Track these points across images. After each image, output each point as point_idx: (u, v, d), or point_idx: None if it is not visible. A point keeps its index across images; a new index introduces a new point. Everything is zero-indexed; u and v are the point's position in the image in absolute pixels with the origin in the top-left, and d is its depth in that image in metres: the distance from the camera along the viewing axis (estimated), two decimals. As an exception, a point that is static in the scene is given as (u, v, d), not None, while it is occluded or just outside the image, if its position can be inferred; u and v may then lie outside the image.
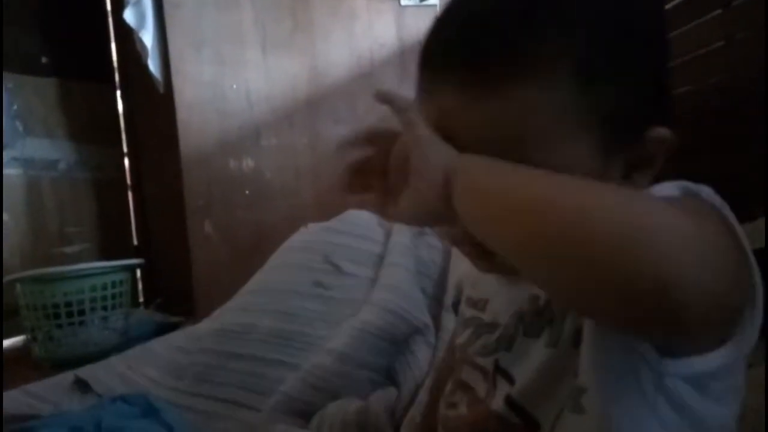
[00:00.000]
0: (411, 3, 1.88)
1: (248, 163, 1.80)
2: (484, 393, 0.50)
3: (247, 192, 1.79)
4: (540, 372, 0.45)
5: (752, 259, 0.38)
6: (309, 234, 1.20)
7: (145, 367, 1.01)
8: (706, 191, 0.42)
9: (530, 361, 0.46)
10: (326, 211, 1.84)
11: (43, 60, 2.05)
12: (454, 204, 0.40)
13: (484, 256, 0.47)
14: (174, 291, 1.94)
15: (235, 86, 1.77)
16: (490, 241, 0.38)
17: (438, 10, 1.85)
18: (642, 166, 0.44)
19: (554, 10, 0.41)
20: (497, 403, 0.48)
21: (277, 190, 1.81)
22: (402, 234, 1.14)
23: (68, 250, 2.05)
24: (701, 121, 1.20)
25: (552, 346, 0.44)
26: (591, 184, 0.37)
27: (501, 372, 0.49)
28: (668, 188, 0.41)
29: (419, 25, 1.89)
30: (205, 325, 1.09)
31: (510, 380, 0.48)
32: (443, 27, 0.45)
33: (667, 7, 1.27)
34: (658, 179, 0.45)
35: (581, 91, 0.40)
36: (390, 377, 0.91)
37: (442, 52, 0.44)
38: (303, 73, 1.83)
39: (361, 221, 1.19)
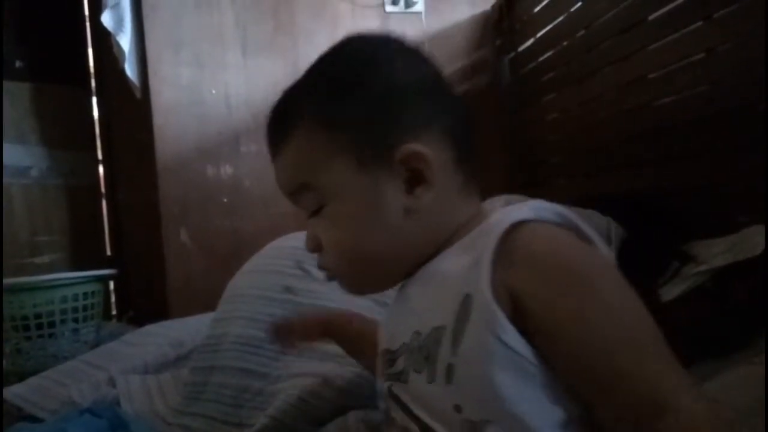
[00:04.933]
0: (396, 9, 1.87)
1: (226, 170, 1.76)
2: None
3: (225, 200, 1.75)
4: (429, 408, 0.48)
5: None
6: (282, 240, 1.17)
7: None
8: (585, 226, 0.50)
9: (422, 398, 0.49)
10: (306, 220, 1.82)
11: (17, 64, 2.00)
12: None
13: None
14: (148, 302, 1.89)
15: (214, 90, 1.74)
16: None
17: (423, 17, 1.85)
18: (418, 181, 0.52)
19: (304, 88, 0.58)
20: None
21: (256, 198, 1.77)
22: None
23: (39, 260, 1.99)
24: (683, 131, 1.21)
25: (431, 382, 0.47)
26: None
27: (401, 405, 0.51)
28: (521, 212, 0.47)
29: (404, 32, 1.87)
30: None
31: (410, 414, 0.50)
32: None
33: (649, 18, 1.29)
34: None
35: (329, 134, 0.53)
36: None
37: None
38: (285, 76, 1.79)
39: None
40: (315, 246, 0.57)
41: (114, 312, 2.12)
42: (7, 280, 1.52)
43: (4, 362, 1.52)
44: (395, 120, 0.53)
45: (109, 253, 2.19)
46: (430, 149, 0.52)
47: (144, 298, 1.97)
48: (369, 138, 0.52)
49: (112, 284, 2.10)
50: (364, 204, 0.52)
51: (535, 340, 0.43)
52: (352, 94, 0.54)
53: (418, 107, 0.54)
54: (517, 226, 0.46)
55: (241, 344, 0.92)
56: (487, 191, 1.28)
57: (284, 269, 1.02)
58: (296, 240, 1.16)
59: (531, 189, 1.53)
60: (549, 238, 0.47)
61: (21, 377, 1.42)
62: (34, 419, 0.98)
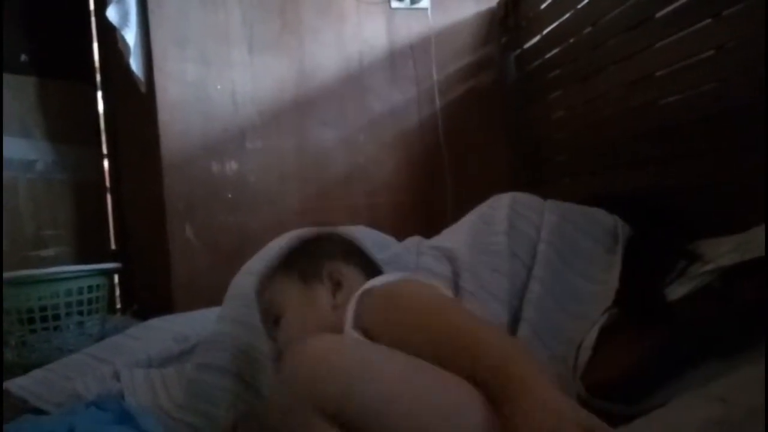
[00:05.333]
0: (401, 6, 1.87)
1: (232, 166, 1.76)
2: None
3: (229, 196, 1.75)
4: None
5: None
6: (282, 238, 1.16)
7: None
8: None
9: None
10: (311, 217, 1.82)
11: (22, 58, 1.99)
12: None
13: None
14: (152, 296, 1.89)
15: (219, 87, 1.73)
16: None
17: (429, 14, 1.84)
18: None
19: None
20: None
21: (261, 194, 1.77)
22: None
23: (44, 253, 1.99)
24: (689, 129, 1.20)
25: None
26: None
27: None
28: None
29: (409, 28, 1.88)
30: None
31: None
32: None
33: (657, 16, 1.28)
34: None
35: None
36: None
37: None
38: (290, 74, 1.80)
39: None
40: None
41: (118, 306, 2.12)
42: (12, 273, 1.53)
43: (9, 354, 1.52)
44: None
45: (113, 247, 2.19)
46: None
47: (148, 293, 1.97)
48: None
49: (116, 278, 2.10)
50: None
51: None
52: None
53: None
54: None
55: (238, 349, 0.93)
56: (491, 189, 1.28)
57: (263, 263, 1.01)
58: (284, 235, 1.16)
59: (535, 187, 1.52)
60: None
61: (26, 369, 1.42)
62: (38, 412, 0.98)
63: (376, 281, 0.74)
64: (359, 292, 0.71)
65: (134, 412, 0.72)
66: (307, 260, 0.83)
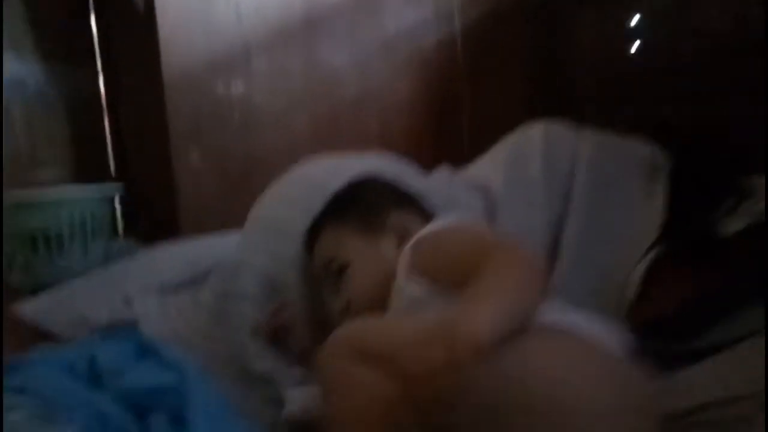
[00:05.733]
0: None
1: (237, 86, 1.67)
2: None
3: (236, 117, 1.67)
4: None
5: None
6: (307, 167, 1.10)
7: None
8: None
9: None
10: (322, 142, 1.74)
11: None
12: None
13: None
14: (156, 222, 1.84)
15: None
16: None
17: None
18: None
19: None
20: None
21: (268, 117, 1.69)
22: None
23: (42, 174, 1.93)
24: (736, 58, 1.12)
25: None
26: None
27: None
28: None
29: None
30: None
31: None
32: None
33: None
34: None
35: None
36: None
37: None
38: (298, -13, 1.68)
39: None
40: None
41: (121, 230, 2.08)
42: (12, 193, 1.48)
43: (14, 278, 1.50)
44: None
45: (113, 170, 2.12)
46: None
47: (151, 218, 1.92)
48: None
49: (117, 202, 2.05)
50: None
51: None
52: None
53: None
54: None
55: (267, 279, 0.91)
56: (510, 116, 1.22)
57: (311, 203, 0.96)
58: (321, 168, 1.10)
59: (557, 116, 1.45)
60: None
61: (33, 289, 1.41)
62: (47, 339, 0.96)
63: (429, 228, 0.77)
64: (413, 240, 0.75)
65: (155, 344, 0.68)
66: (366, 209, 0.85)
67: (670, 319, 0.68)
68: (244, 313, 0.87)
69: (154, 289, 1.10)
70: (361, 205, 0.86)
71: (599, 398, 0.49)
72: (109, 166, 2.11)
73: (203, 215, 1.60)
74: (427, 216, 0.85)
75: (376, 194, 0.87)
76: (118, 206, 2.05)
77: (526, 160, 0.98)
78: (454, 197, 0.96)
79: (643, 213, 0.86)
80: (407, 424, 0.55)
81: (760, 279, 0.67)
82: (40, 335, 0.99)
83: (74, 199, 1.51)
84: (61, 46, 1.96)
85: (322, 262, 0.85)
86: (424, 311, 0.67)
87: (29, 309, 1.04)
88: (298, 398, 0.72)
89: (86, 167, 2.02)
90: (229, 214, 1.20)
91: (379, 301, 0.76)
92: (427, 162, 1.20)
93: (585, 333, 0.56)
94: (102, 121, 2.09)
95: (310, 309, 0.88)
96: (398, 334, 0.60)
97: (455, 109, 1.79)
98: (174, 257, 1.19)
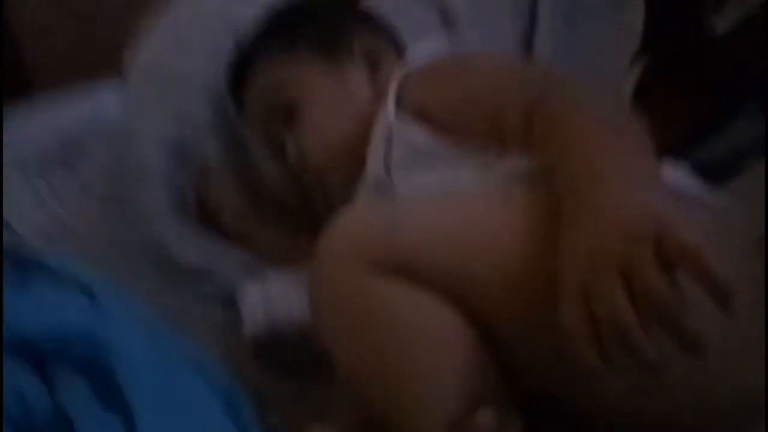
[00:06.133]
0: None
1: None
2: None
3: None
4: None
5: None
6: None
7: None
8: None
9: None
10: None
11: None
12: None
13: None
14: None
15: None
16: None
17: None
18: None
19: None
20: None
21: None
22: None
23: None
24: None
25: None
26: None
27: None
28: None
29: None
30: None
31: None
32: None
33: None
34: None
35: None
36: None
37: None
38: None
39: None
40: None
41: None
42: None
43: None
44: None
45: None
46: None
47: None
48: None
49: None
50: None
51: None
52: None
53: None
54: None
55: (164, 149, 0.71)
56: None
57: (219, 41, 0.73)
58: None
59: None
60: None
61: None
62: None
63: (418, 60, 0.61)
64: (402, 72, 0.58)
65: (42, 258, 0.49)
66: (323, 29, 0.65)
67: (668, 135, 0.61)
68: (153, 192, 0.69)
69: (15, 166, 0.86)
70: (313, 23, 0.66)
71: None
72: None
73: (54, 60, 1.28)
74: (390, 39, 0.68)
75: (332, 8, 0.68)
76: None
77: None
78: (402, 12, 0.77)
79: (620, 19, 0.74)
80: (494, 387, 0.42)
81: (759, 76, 0.61)
82: None
83: None
84: None
85: (258, 106, 0.65)
86: (425, 166, 0.52)
87: None
88: (257, 300, 0.58)
89: None
90: (92, 54, 0.94)
91: (347, 155, 0.59)
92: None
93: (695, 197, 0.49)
94: None
95: (241, 176, 0.69)
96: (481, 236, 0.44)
97: None
98: (34, 125, 0.92)
